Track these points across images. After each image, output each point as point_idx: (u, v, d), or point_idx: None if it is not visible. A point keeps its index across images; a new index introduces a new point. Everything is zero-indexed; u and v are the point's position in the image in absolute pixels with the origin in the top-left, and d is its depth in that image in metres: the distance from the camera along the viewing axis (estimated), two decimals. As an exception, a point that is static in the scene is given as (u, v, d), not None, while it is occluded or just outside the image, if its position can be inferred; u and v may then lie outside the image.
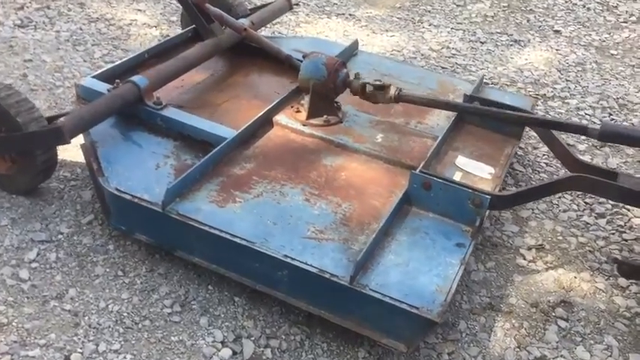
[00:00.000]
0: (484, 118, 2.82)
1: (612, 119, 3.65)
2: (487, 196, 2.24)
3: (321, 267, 2.05)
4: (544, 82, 3.96)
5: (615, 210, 2.91)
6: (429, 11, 4.78)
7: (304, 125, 2.69)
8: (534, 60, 4.23)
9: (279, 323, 2.21)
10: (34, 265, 2.30)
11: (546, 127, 2.65)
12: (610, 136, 2.29)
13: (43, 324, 2.10)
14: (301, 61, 2.91)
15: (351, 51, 3.36)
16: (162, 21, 4.15)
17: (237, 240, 2.12)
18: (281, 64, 3.06)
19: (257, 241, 2.12)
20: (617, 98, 3.84)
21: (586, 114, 3.67)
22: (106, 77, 2.77)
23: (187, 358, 2.06)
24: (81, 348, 2.05)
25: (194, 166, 2.32)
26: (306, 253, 2.10)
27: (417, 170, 2.34)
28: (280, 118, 2.72)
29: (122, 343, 2.07)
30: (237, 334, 2.15)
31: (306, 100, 2.73)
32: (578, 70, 4.15)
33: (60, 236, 2.43)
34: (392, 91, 2.59)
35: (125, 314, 2.16)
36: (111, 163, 2.39)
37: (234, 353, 2.09)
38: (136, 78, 2.58)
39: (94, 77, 2.73)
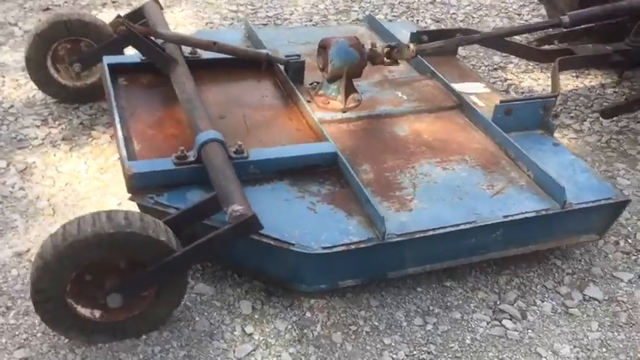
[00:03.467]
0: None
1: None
2: (553, 98, 2.68)
3: (534, 209, 2.28)
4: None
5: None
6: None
7: (344, 112, 2.65)
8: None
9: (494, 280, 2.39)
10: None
11: (526, 32, 3.16)
12: (578, 20, 2.91)
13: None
14: (291, 56, 2.79)
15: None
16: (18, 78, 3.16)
17: (462, 227, 2.18)
18: (225, 68, 2.82)
19: (475, 219, 2.21)
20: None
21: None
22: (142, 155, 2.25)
23: None
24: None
25: (362, 190, 2.18)
26: (510, 205, 2.28)
27: (499, 102, 2.63)
28: (320, 116, 2.61)
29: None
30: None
31: (332, 88, 2.66)
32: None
33: (258, 337, 2.06)
34: (412, 47, 2.72)
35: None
36: (272, 230, 2.06)
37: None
38: (211, 134, 2.17)
39: (132, 161, 2.17)
